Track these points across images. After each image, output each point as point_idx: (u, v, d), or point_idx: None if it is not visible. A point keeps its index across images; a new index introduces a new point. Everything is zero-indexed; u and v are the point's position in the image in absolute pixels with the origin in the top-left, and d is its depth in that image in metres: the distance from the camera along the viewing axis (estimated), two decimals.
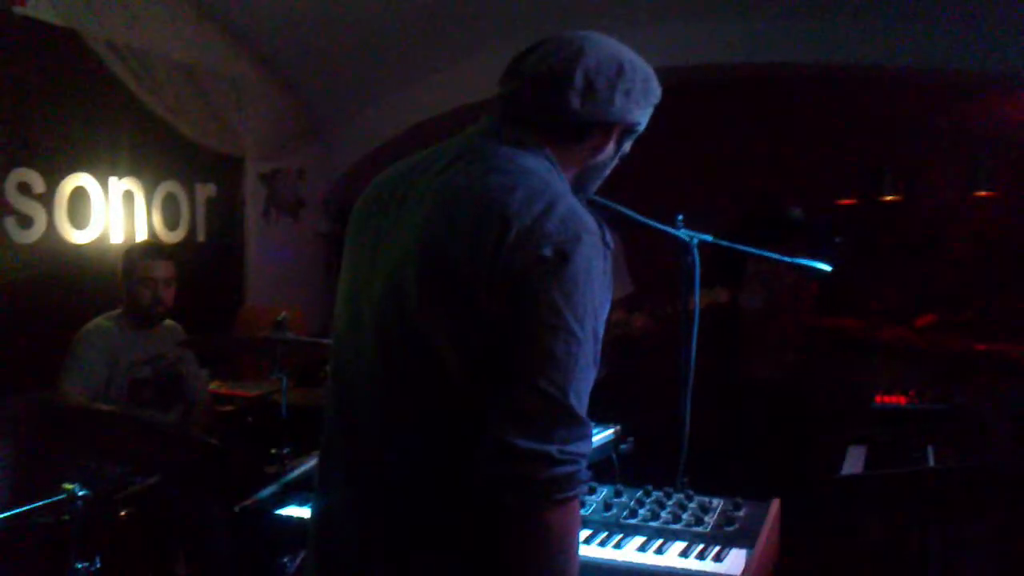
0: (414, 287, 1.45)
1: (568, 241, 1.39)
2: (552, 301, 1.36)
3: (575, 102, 1.54)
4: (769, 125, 5.91)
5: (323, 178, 6.42)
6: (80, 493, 2.82)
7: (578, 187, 1.63)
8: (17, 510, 2.86)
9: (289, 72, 5.81)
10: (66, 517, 2.83)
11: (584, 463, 1.39)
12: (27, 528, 3.05)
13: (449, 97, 5.70)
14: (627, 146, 1.70)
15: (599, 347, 1.44)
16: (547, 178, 1.50)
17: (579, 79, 1.54)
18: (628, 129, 1.65)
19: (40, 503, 2.84)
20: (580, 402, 1.39)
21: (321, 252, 6.43)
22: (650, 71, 1.65)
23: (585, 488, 1.41)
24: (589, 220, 1.45)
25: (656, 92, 1.66)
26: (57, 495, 2.84)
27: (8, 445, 4.05)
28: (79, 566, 2.83)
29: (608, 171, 1.70)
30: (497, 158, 1.51)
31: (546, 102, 1.56)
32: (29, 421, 4.04)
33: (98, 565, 2.87)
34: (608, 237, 1.47)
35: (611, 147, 1.64)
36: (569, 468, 1.36)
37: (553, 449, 1.35)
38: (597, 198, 1.77)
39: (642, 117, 1.65)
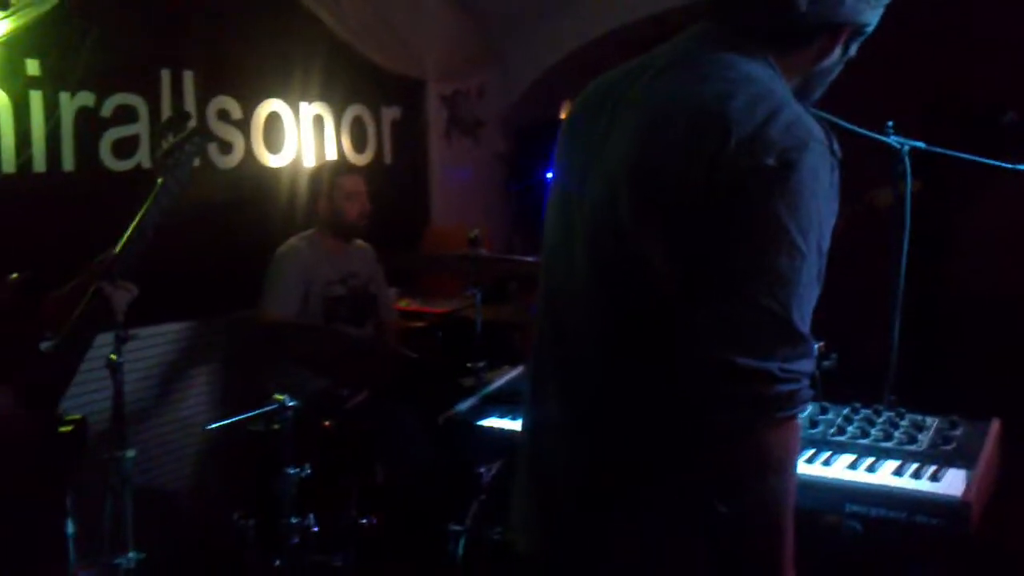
0: (628, 200, 1.40)
1: (793, 149, 1.30)
2: (775, 213, 1.29)
3: (802, 4, 1.42)
4: (971, 26, 5.50)
5: (501, 98, 6.41)
6: (290, 404, 2.98)
7: (802, 94, 1.52)
8: (234, 419, 3.04)
9: None
10: (277, 426, 2.99)
11: (807, 382, 1.33)
12: (241, 436, 3.25)
13: (628, 8, 5.55)
14: (854, 49, 1.56)
15: (824, 263, 1.36)
16: (769, 84, 1.41)
17: None
18: (856, 31, 1.52)
19: (254, 412, 3.01)
20: (803, 319, 1.32)
21: (500, 171, 6.46)
22: None
23: (807, 407, 1.36)
24: (816, 128, 1.36)
25: None
26: (268, 405, 3.01)
27: (218, 360, 4.31)
28: (291, 471, 2.99)
29: (834, 76, 1.58)
30: (714, 65, 1.43)
31: (769, 4, 1.45)
32: (236, 337, 4.28)
33: (308, 471, 3.03)
34: (836, 146, 1.38)
35: (838, 51, 1.52)
36: (791, 386, 1.30)
37: (775, 367, 1.29)
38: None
39: (872, 17, 1.51)
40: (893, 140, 2.36)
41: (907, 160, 2.36)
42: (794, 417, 1.34)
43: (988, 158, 2.56)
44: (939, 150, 2.42)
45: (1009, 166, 2.56)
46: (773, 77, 1.44)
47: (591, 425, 1.50)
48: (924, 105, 5.10)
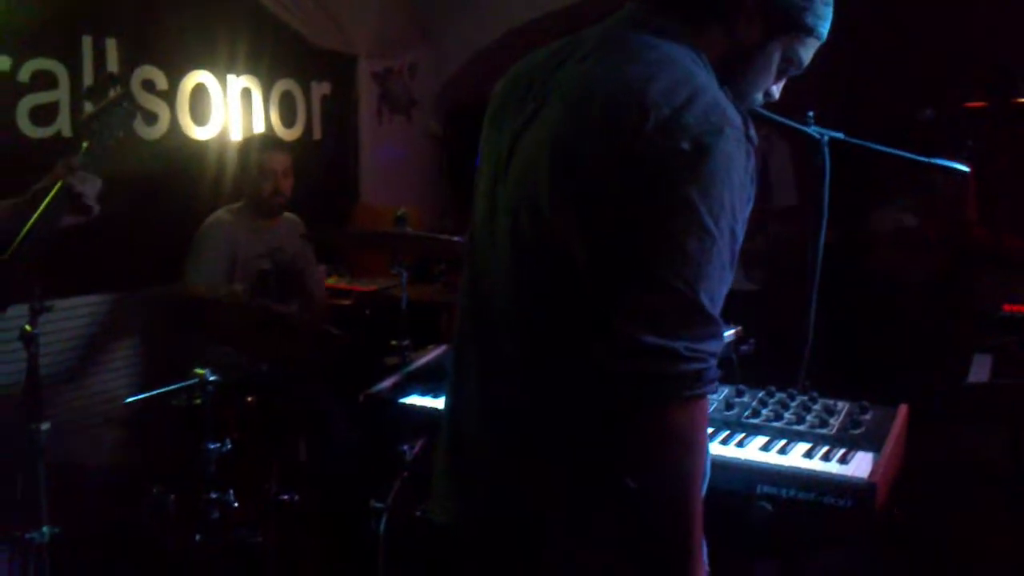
0: (546, 181, 1.41)
1: (708, 133, 1.32)
2: (688, 196, 1.30)
3: None
4: (893, 22, 5.62)
5: (435, 77, 6.38)
6: (211, 378, 2.95)
7: (725, 77, 1.50)
8: (153, 392, 3.01)
9: None
10: (198, 400, 2.96)
11: (713, 362, 1.35)
12: (161, 410, 3.21)
13: None
14: (801, 51, 1.56)
15: (737, 247, 1.38)
16: (691, 68, 1.42)
17: None
18: (782, 15, 1.50)
19: (174, 386, 2.97)
20: (712, 301, 1.34)
21: (432, 152, 6.44)
22: None
23: (714, 388, 1.36)
24: (733, 113, 1.37)
25: None
26: (189, 380, 2.98)
27: (139, 334, 4.24)
28: (211, 446, 2.97)
29: (761, 66, 1.55)
30: (638, 47, 1.44)
31: None
32: (158, 311, 4.21)
33: (228, 447, 3.01)
34: (753, 132, 1.40)
35: (755, 31, 1.50)
36: (697, 366, 1.32)
37: (680, 346, 1.30)
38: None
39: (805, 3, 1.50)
40: (813, 130, 2.41)
41: (826, 151, 2.40)
42: (702, 397, 1.34)
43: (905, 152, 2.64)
44: (857, 141, 2.48)
45: (924, 159, 2.64)
46: (695, 61, 1.45)
47: (507, 402, 1.52)
48: (846, 103, 5.21)
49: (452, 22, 6.19)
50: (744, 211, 1.38)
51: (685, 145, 1.31)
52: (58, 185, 2.41)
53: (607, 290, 1.35)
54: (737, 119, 1.37)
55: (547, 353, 1.47)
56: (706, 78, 1.43)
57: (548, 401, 1.47)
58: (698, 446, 1.37)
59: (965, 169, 2.62)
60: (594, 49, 1.49)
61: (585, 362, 1.39)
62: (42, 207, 2.39)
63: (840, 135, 2.45)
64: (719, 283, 1.35)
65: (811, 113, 2.45)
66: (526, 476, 1.50)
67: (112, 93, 2.70)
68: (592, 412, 1.42)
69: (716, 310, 1.35)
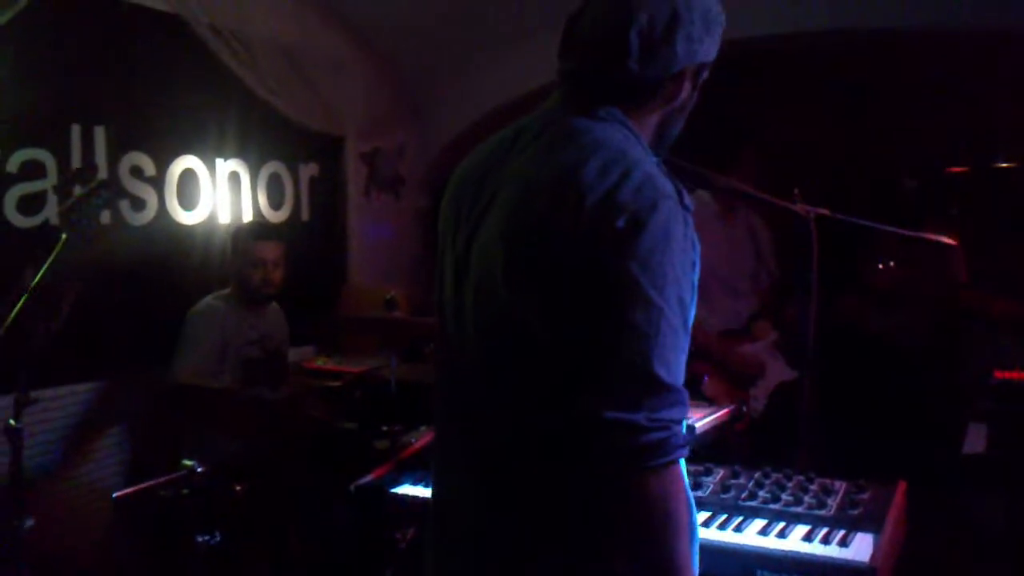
0: (501, 271, 1.46)
1: (643, 210, 1.36)
2: (628, 271, 1.34)
3: (634, 68, 1.50)
4: (872, 92, 5.70)
5: (422, 155, 6.43)
6: (198, 469, 2.91)
7: (662, 135, 1.61)
8: (140, 486, 2.96)
9: (386, 48, 5.82)
10: (185, 492, 2.92)
11: (678, 428, 1.37)
12: (149, 502, 3.16)
13: (549, 68, 5.62)
14: (704, 75, 1.63)
15: (688, 313, 1.41)
16: (622, 146, 1.47)
17: (634, 43, 1.49)
18: (700, 68, 1.59)
19: (161, 479, 2.93)
20: (668, 369, 1.37)
21: (421, 229, 6.45)
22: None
23: (684, 453, 1.39)
24: (665, 185, 1.42)
25: (718, 19, 1.59)
26: (177, 471, 2.94)
27: (126, 422, 4.19)
28: (200, 539, 2.92)
29: (689, 108, 1.65)
30: (571, 131, 1.49)
31: (605, 71, 1.53)
32: (146, 399, 4.16)
33: (218, 539, 2.95)
34: (687, 200, 1.44)
35: (686, 89, 1.59)
36: (660, 435, 1.34)
37: (640, 418, 1.33)
38: (722, 179, 1.70)
39: (710, 51, 1.59)
40: (799, 208, 2.42)
41: (813, 227, 2.42)
42: (673, 463, 1.37)
43: (890, 222, 2.65)
44: (843, 217, 2.50)
45: (910, 233, 2.66)
46: (627, 137, 1.51)
47: (487, 490, 1.54)
48: (832, 174, 5.26)
49: (440, 100, 6.26)
50: (690, 276, 1.43)
51: (620, 223, 1.36)
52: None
53: (567, 369, 1.39)
54: (670, 189, 1.42)
55: (521, 440, 1.48)
56: (640, 153, 1.48)
57: (525, 488, 1.49)
58: (677, 516, 1.38)
59: (951, 242, 2.63)
60: (534, 139, 1.54)
61: (558, 444, 1.42)
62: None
63: (825, 212, 2.47)
64: (673, 350, 1.38)
65: (796, 191, 2.47)
66: (506, 557, 1.51)
67: (87, 184, 2.73)
68: (571, 495, 1.44)
69: (674, 378, 1.38)
